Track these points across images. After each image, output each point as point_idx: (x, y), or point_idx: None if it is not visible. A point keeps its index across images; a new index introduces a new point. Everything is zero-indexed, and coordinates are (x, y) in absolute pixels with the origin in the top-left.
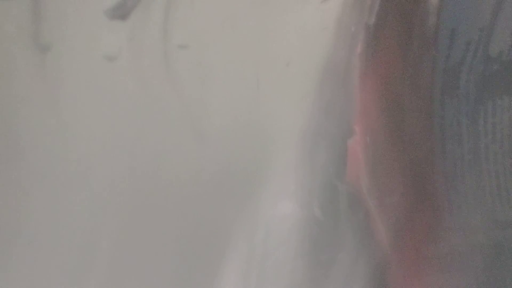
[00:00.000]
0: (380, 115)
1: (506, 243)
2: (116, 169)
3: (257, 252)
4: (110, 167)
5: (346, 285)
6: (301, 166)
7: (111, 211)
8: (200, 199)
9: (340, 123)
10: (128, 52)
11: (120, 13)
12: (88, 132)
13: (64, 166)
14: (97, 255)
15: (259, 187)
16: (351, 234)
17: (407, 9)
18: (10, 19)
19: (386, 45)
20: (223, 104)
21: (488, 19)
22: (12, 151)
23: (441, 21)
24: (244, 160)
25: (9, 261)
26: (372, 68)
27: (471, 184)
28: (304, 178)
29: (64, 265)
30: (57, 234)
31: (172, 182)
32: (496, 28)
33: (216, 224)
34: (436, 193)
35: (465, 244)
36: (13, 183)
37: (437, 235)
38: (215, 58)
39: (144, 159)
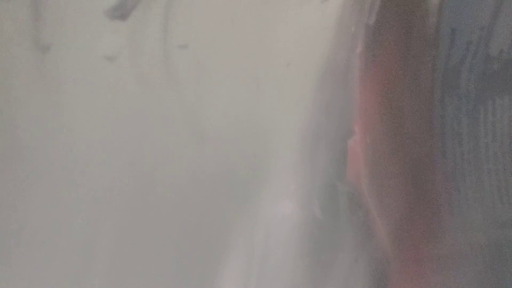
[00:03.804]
0: (380, 115)
1: (506, 243)
2: (116, 169)
3: (257, 252)
4: (110, 167)
5: (346, 285)
6: (301, 166)
7: (111, 211)
8: (200, 199)
9: (340, 123)
10: (128, 52)
11: (120, 13)
12: (88, 132)
13: (64, 166)
14: (97, 255)
15: (259, 187)
16: (351, 234)
17: (407, 9)
18: (10, 19)
19: (386, 45)
20: (223, 104)
21: (488, 18)
22: (12, 151)
23: (441, 21)
24: (244, 160)
25: (9, 261)
26: (372, 68)
27: (471, 184)
28: (304, 178)
29: (64, 265)
30: (57, 234)
31: (172, 182)
32: (496, 27)
33: (216, 224)
34: (436, 193)
35: (465, 244)
36: (13, 183)
37: (437, 235)
38: (215, 58)
39: (144, 159)
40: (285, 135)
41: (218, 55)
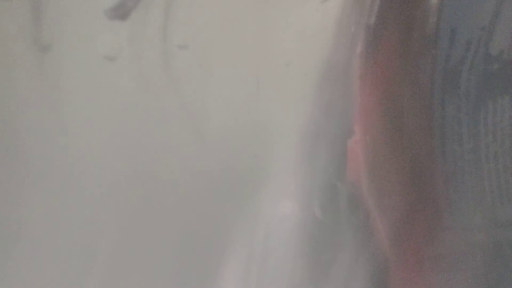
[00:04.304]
0: (380, 115)
1: (506, 242)
2: (116, 169)
3: (257, 252)
4: (110, 167)
5: (346, 285)
6: (301, 166)
7: (111, 211)
8: (200, 199)
9: (340, 123)
10: (128, 52)
11: (120, 13)
12: (88, 132)
13: (64, 166)
14: (97, 255)
15: (259, 187)
16: (351, 234)
17: (407, 9)
18: (10, 19)
19: (386, 45)
20: (223, 104)
21: (488, 18)
22: (12, 151)
23: (441, 20)
24: (244, 160)
25: (9, 261)
26: (372, 68)
27: (471, 184)
28: (304, 178)
29: (64, 265)
30: (57, 234)
31: (172, 182)
32: (496, 27)
33: (216, 224)
34: (436, 193)
35: (465, 243)
36: (13, 183)
37: (437, 235)
38: (215, 58)
39: (144, 159)
40: (285, 135)
41: (218, 55)
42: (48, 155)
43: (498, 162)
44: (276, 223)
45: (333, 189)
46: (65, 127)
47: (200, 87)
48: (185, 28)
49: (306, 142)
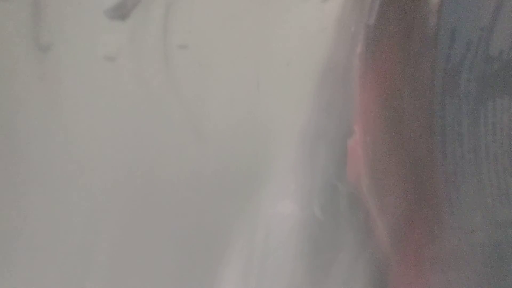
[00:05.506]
0: (380, 115)
1: (506, 243)
2: (116, 169)
3: (257, 252)
4: (110, 167)
5: (346, 285)
6: (301, 166)
7: (111, 211)
8: (200, 199)
9: (340, 123)
10: (128, 52)
11: (120, 13)
12: (88, 132)
13: (64, 166)
14: (97, 255)
15: (259, 187)
16: (351, 234)
17: (407, 9)
18: (10, 19)
19: (386, 45)
20: (223, 104)
21: (488, 18)
22: (12, 151)
23: (441, 21)
24: (244, 160)
25: (9, 261)
26: (372, 68)
27: (472, 184)
28: (304, 178)
29: (64, 265)
30: (57, 234)
31: (172, 182)
32: (496, 27)
33: (216, 224)
34: (436, 193)
35: (466, 244)
36: (13, 183)
37: (437, 235)
38: (215, 58)
39: (144, 159)
40: (285, 135)
41: (218, 55)
42: (48, 155)
43: (497, 162)
44: (276, 223)
45: (333, 189)
46: (65, 127)
47: (200, 87)
48: (185, 28)
49: (306, 142)
